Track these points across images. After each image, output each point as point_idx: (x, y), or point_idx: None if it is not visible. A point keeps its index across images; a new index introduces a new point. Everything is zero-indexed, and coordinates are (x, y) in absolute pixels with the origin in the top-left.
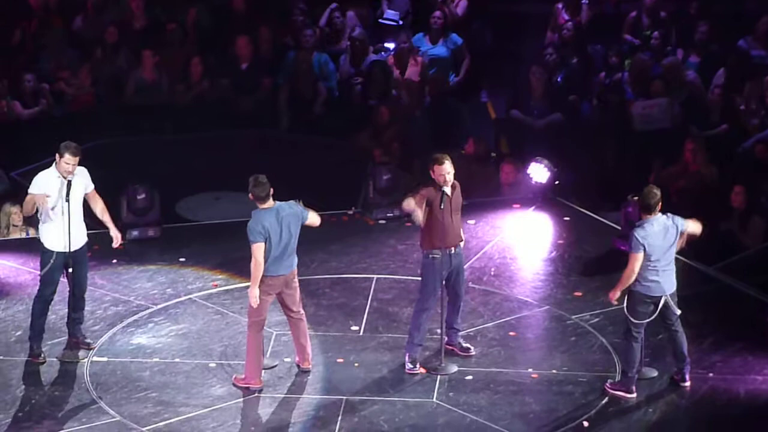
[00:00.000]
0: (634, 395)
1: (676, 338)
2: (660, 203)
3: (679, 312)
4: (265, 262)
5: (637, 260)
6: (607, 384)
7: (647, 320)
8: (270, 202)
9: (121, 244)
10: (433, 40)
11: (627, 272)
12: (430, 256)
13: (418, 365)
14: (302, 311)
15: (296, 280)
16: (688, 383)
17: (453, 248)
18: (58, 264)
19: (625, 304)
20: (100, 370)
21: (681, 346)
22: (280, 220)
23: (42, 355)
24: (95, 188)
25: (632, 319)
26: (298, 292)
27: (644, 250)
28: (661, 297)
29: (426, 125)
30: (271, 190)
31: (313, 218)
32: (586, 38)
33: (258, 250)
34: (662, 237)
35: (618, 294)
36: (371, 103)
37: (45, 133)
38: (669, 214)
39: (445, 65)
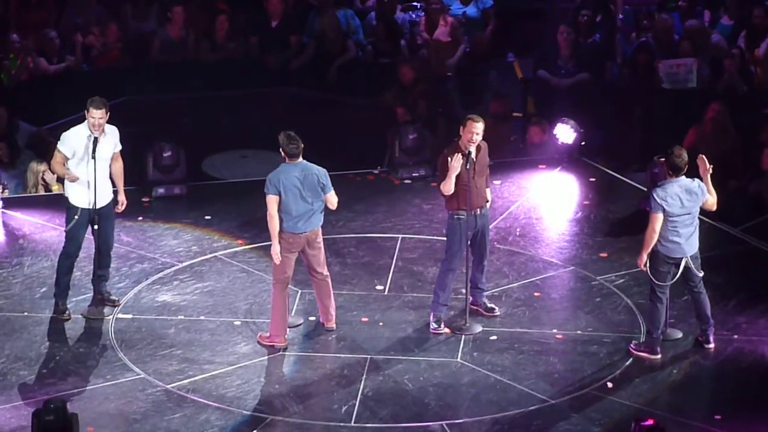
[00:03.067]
0: (659, 356)
1: (699, 300)
2: (687, 165)
3: (701, 274)
4: (285, 218)
5: (657, 220)
6: (632, 345)
7: (670, 281)
8: (299, 159)
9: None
10: (464, 1)
11: (648, 232)
12: (456, 216)
13: (442, 325)
14: (326, 272)
15: (320, 240)
16: (712, 345)
17: (479, 209)
18: (82, 220)
19: (647, 265)
20: (125, 327)
21: (704, 307)
22: (304, 178)
23: (67, 312)
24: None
25: (654, 280)
26: (323, 252)
27: (663, 210)
28: (681, 259)
29: (456, 86)
30: (302, 147)
31: (332, 198)
32: None
33: (270, 202)
34: (683, 199)
35: (645, 258)
36: (383, 62)
37: (71, 90)
38: (696, 179)
39: (475, 26)
